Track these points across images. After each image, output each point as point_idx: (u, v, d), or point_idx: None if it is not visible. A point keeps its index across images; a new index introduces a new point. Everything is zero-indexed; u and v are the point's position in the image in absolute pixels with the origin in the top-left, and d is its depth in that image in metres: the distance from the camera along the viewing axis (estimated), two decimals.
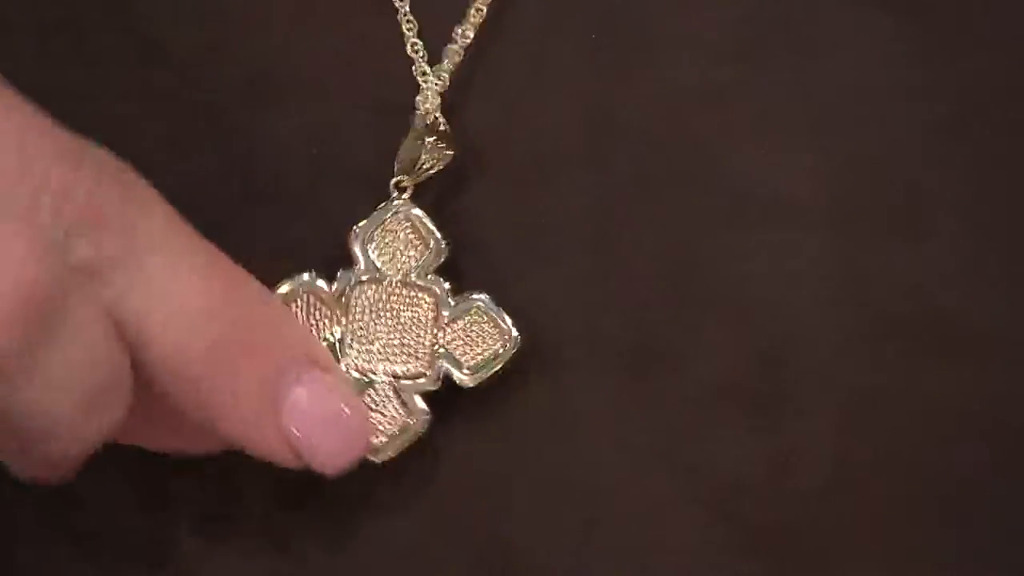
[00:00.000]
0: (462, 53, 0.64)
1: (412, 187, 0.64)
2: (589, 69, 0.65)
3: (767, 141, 0.64)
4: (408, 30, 0.65)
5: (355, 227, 0.63)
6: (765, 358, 0.63)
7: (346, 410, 0.59)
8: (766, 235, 0.64)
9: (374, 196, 0.65)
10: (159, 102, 0.66)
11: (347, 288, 0.63)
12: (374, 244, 0.63)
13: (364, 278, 0.63)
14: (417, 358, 0.63)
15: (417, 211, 0.63)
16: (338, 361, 0.62)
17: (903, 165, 0.63)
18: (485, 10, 0.65)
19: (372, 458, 0.62)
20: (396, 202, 0.63)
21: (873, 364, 0.63)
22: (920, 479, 0.63)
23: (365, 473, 0.62)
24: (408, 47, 0.65)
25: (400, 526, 0.64)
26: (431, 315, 0.63)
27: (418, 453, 0.63)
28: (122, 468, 0.63)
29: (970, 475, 0.63)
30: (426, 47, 0.65)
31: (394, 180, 0.64)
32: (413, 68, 0.65)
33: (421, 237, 0.63)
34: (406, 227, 0.63)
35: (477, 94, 0.65)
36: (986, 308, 0.63)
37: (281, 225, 0.65)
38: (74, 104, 0.65)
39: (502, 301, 0.63)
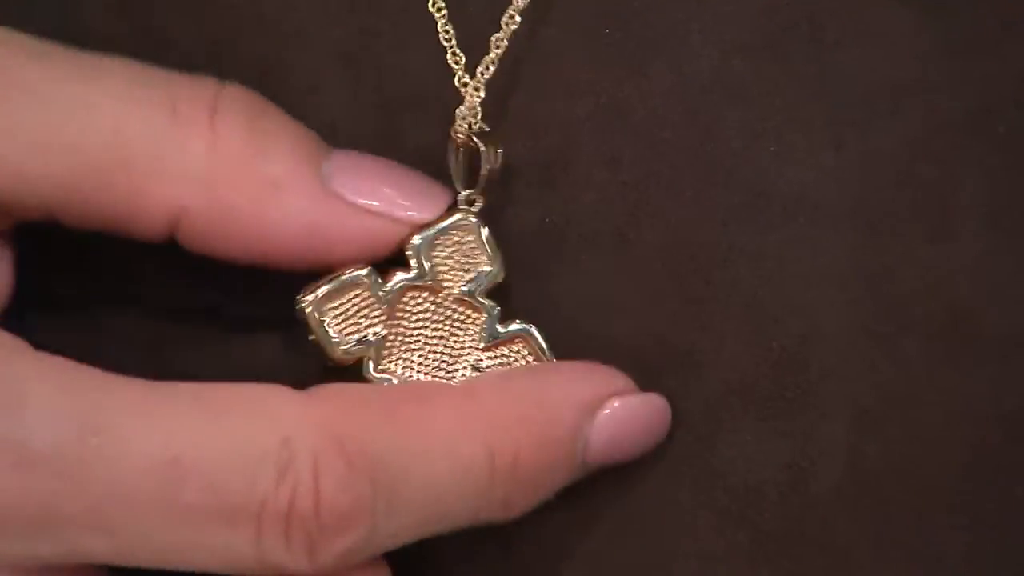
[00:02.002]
0: (498, 63, 0.63)
1: (483, 200, 0.62)
2: (602, 64, 0.63)
3: (786, 137, 0.62)
4: (443, 30, 0.64)
5: (418, 233, 0.61)
6: (783, 360, 0.62)
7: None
8: (785, 233, 0.62)
9: None
10: None
11: (400, 291, 0.62)
12: (434, 253, 0.62)
13: (418, 284, 0.62)
14: (454, 376, 0.62)
15: (484, 230, 0.62)
16: (376, 362, 0.61)
17: (926, 162, 0.62)
18: (518, 16, 0.63)
19: None
20: (467, 217, 0.62)
21: (894, 366, 0.62)
22: (941, 483, 0.62)
23: None
24: (449, 55, 0.63)
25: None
26: (477, 336, 0.62)
27: None
28: None
29: (991, 479, 0.62)
30: (461, 49, 0.64)
31: (465, 194, 0.62)
32: (455, 79, 0.63)
33: (482, 256, 0.62)
34: (470, 243, 0.62)
35: (495, 92, 0.64)
36: (1010, 308, 0.62)
37: None
38: None
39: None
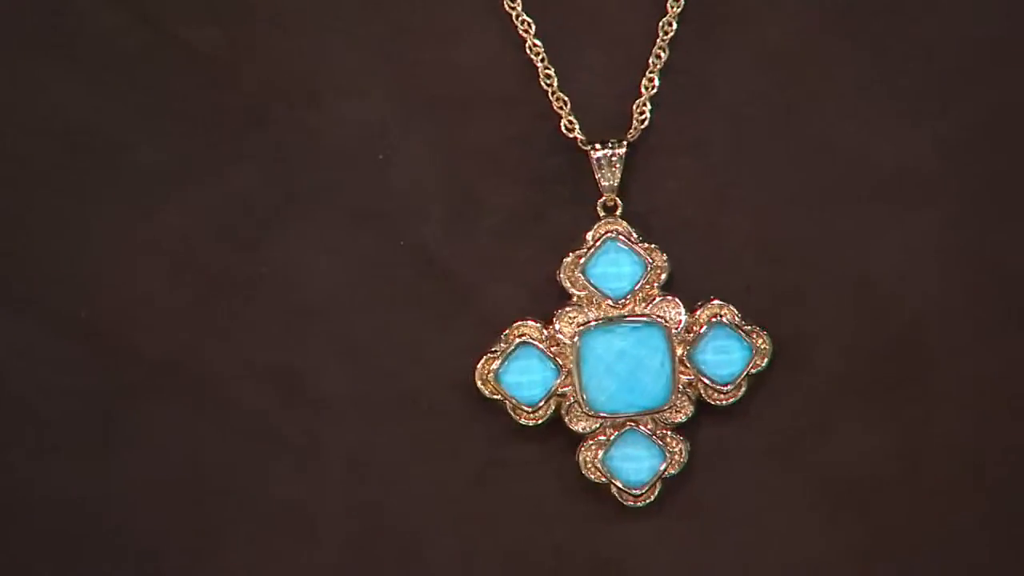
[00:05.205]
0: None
1: (620, 204, 0.59)
2: (679, 40, 0.60)
3: (877, 107, 0.59)
4: (520, 24, 0.60)
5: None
6: (891, 344, 0.59)
7: None
8: (883, 209, 0.59)
9: (446, 202, 0.60)
10: (199, 105, 0.61)
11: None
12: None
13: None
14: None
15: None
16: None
17: None
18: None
19: (635, 503, 0.59)
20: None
21: (1014, 350, 0.58)
22: None
23: None
24: (528, 49, 0.60)
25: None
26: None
27: None
28: None
29: None
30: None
31: (601, 200, 0.59)
32: (540, 76, 0.60)
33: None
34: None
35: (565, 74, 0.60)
36: None
37: (337, 232, 0.60)
38: (110, 111, 0.61)
39: None
